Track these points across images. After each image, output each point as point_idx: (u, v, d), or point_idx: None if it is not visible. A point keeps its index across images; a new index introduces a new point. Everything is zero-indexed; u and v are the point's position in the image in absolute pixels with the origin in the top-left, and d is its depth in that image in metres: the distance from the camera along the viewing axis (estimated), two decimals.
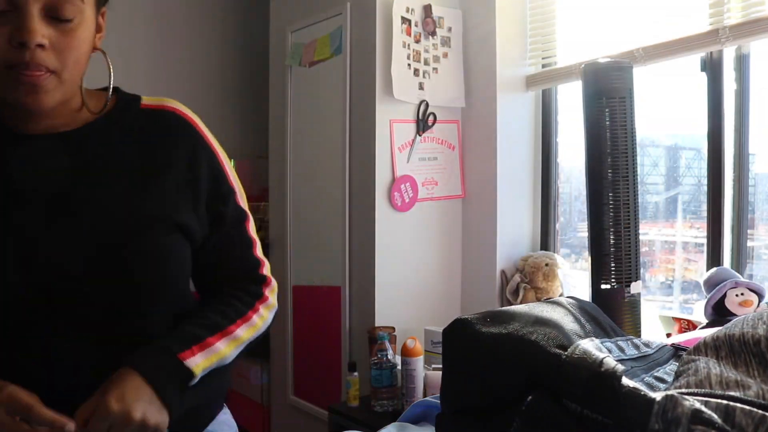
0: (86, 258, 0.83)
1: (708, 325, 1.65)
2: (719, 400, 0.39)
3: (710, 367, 0.46)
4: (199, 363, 0.85)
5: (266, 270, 1.02)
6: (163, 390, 0.80)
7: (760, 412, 0.36)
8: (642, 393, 0.40)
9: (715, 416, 0.37)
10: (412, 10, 2.17)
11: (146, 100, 0.94)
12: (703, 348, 0.51)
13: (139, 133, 0.91)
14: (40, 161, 0.84)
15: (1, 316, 0.81)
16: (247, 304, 0.96)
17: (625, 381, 0.42)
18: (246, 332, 0.94)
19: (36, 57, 0.76)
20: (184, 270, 0.93)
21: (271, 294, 1.01)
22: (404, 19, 2.14)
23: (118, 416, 0.75)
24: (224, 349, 0.89)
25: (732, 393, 0.40)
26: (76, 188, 0.85)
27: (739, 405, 0.38)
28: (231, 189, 0.98)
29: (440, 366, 1.79)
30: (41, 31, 0.76)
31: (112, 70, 0.91)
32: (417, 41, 2.18)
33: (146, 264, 0.87)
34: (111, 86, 0.91)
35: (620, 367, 0.42)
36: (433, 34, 2.22)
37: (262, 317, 0.97)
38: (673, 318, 1.87)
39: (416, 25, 2.18)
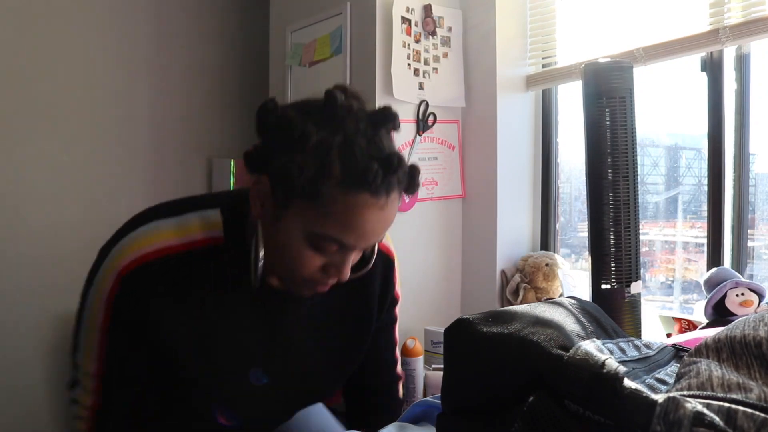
0: (316, 378, 1.05)
1: (708, 325, 1.65)
2: (721, 403, 0.39)
3: (711, 369, 0.46)
4: None
5: (399, 367, 1.23)
6: None
7: (762, 415, 0.36)
8: (644, 395, 0.40)
9: (717, 419, 0.37)
10: (412, 10, 2.16)
11: None
12: (704, 350, 0.51)
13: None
14: (294, 311, 1.00)
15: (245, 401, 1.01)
16: (394, 411, 1.20)
17: (627, 383, 0.42)
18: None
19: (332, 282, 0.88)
20: None
21: (402, 388, 1.24)
22: (404, 19, 2.14)
23: None
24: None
25: (734, 395, 0.40)
26: (313, 332, 1.02)
27: (741, 408, 0.38)
28: (396, 300, 1.18)
29: (440, 366, 1.79)
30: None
31: None
32: (417, 41, 2.18)
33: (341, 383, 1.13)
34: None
35: (622, 369, 0.42)
36: (433, 34, 2.22)
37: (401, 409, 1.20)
38: (673, 318, 1.87)
39: (416, 25, 2.17)
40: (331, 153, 0.80)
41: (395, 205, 0.89)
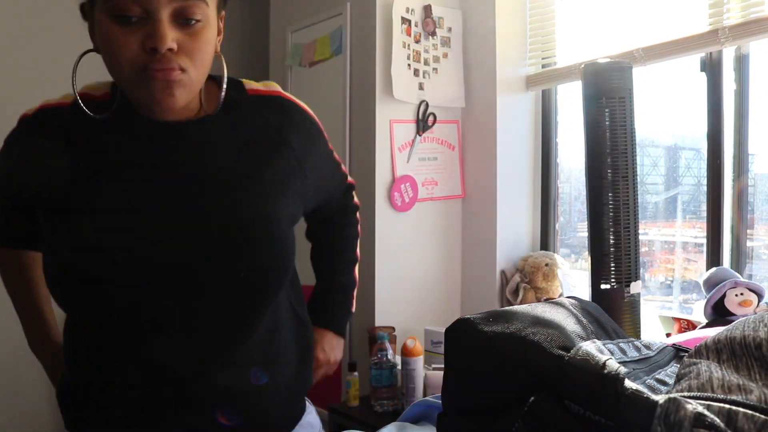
0: (218, 237, 0.86)
1: (708, 325, 1.65)
2: (721, 404, 0.39)
3: (712, 370, 0.46)
4: (353, 301, 1.18)
5: (349, 177, 1.18)
6: (343, 333, 1.17)
7: (762, 417, 0.37)
8: (645, 396, 0.40)
9: (717, 420, 0.37)
10: (412, 10, 2.17)
11: (250, 84, 0.97)
12: (704, 351, 0.51)
13: (254, 119, 0.93)
14: (175, 143, 0.88)
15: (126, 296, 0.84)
16: (353, 223, 1.19)
17: (628, 383, 0.42)
18: (358, 248, 1.21)
19: (167, 56, 0.79)
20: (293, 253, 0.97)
21: (355, 195, 1.21)
22: (404, 20, 2.14)
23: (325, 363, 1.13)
24: (356, 275, 1.19)
25: (734, 397, 0.41)
26: (205, 171, 0.88)
27: (741, 409, 0.39)
28: (337, 163, 1.09)
29: (440, 366, 1.79)
30: (171, 36, 0.79)
31: (226, 71, 0.93)
32: (417, 41, 2.18)
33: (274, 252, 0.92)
34: (224, 87, 0.92)
35: (623, 370, 0.42)
36: (433, 34, 2.22)
37: (359, 222, 1.22)
38: (672, 318, 1.88)
39: (416, 26, 2.18)
40: None
41: None
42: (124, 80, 0.82)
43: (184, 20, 0.81)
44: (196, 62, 0.83)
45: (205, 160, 0.89)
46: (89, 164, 0.85)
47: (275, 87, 0.99)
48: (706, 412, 0.38)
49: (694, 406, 0.38)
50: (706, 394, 0.42)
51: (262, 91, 0.97)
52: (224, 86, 0.91)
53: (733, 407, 0.38)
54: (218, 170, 0.89)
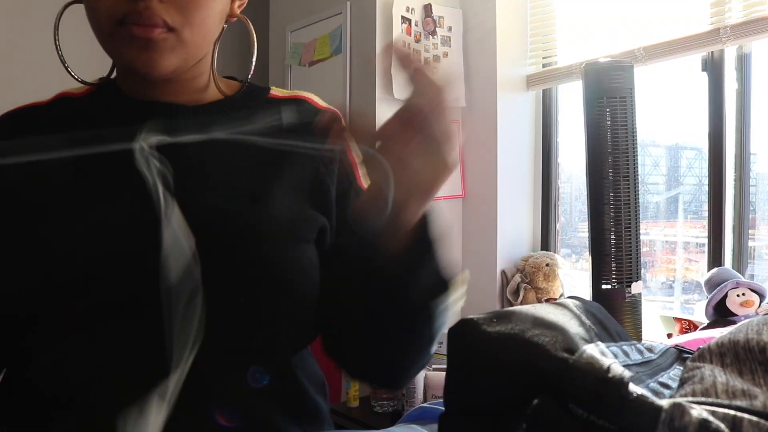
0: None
1: (709, 326, 1.65)
2: (726, 410, 0.39)
3: (715, 374, 0.46)
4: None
5: None
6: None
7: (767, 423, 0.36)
8: (649, 401, 0.40)
9: (722, 426, 0.37)
10: (412, 9, 2.16)
11: (275, 91, 0.84)
12: (707, 355, 0.51)
13: (267, 119, 0.75)
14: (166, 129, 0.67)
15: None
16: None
17: (632, 388, 0.42)
18: None
19: (150, 8, 0.62)
20: None
21: None
22: (404, 19, 2.14)
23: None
24: None
25: (738, 402, 0.40)
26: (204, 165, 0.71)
27: (746, 416, 0.38)
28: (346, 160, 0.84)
29: (441, 366, 1.79)
30: None
31: (255, 42, 0.78)
32: (417, 41, 2.18)
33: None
34: (253, 63, 0.78)
35: (627, 374, 0.42)
36: (434, 33, 2.22)
37: None
38: (674, 318, 1.87)
39: (416, 25, 2.17)
40: None
41: None
42: (103, 39, 0.67)
43: None
44: (192, 20, 0.65)
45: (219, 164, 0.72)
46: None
47: (303, 93, 0.87)
48: (711, 418, 0.37)
49: (699, 411, 0.38)
50: (710, 399, 0.42)
51: (284, 96, 0.85)
52: (254, 58, 0.76)
53: (738, 413, 0.38)
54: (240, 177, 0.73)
